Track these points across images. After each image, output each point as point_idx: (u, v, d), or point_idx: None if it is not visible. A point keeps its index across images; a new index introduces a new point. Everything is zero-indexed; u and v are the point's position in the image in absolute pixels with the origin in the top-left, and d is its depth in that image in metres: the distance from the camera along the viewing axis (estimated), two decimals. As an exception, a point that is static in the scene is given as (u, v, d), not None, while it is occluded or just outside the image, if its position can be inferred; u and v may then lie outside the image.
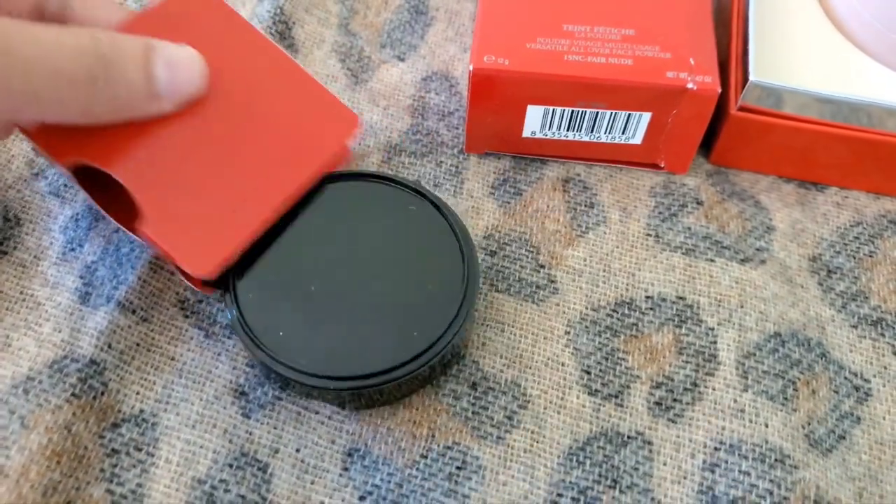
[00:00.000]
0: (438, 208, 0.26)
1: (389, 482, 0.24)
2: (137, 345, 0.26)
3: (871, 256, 0.30)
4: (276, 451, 0.25)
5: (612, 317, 0.28)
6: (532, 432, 0.25)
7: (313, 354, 0.23)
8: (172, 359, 0.26)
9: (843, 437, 0.26)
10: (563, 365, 0.27)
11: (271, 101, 0.26)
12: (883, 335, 0.28)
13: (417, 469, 0.25)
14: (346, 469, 0.24)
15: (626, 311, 0.28)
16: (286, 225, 0.26)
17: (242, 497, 0.24)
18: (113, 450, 0.25)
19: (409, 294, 0.25)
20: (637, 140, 0.30)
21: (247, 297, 0.24)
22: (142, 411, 0.25)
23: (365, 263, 0.25)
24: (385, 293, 0.24)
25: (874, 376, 0.27)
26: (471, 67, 0.28)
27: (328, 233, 0.26)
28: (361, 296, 0.24)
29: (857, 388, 0.27)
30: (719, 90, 0.28)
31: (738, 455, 0.25)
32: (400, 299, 0.24)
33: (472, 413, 0.26)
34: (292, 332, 0.24)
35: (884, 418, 0.26)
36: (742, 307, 0.28)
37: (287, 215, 0.26)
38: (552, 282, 0.28)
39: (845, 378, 0.27)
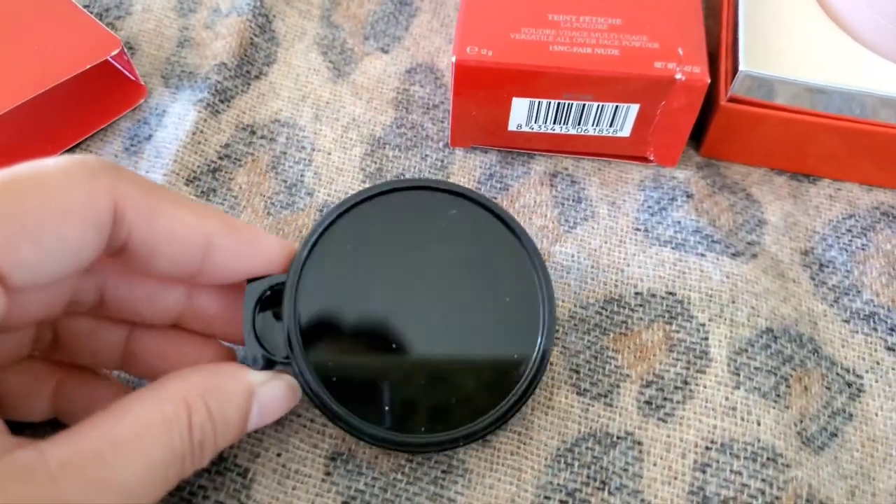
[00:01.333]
0: (520, 239, 0.24)
1: (374, 487, 0.24)
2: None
3: (863, 249, 0.29)
4: (257, 456, 0.24)
5: (600, 314, 0.27)
6: (519, 434, 0.25)
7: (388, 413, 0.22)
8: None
9: (836, 435, 0.25)
10: (550, 364, 0.26)
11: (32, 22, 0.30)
12: (876, 329, 0.27)
13: (402, 473, 0.24)
14: (328, 474, 0.24)
15: (615, 308, 0.27)
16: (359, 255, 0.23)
17: (222, 503, 0.23)
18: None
19: (481, 342, 0.23)
20: (625, 133, 0.29)
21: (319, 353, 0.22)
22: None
23: (437, 298, 0.23)
24: (458, 337, 0.23)
25: (867, 372, 0.26)
26: (453, 59, 0.27)
27: (398, 258, 0.23)
28: (434, 344, 0.23)
29: (849, 385, 0.26)
30: (708, 81, 0.27)
31: (730, 454, 0.24)
32: (471, 349, 0.23)
33: (458, 414, 0.25)
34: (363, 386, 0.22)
35: (876, 415, 0.26)
36: (733, 302, 0.27)
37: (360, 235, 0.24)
38: (539, 279, 0.28)
39: (837, 374, 0.26)
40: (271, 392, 0.21)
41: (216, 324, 0.23)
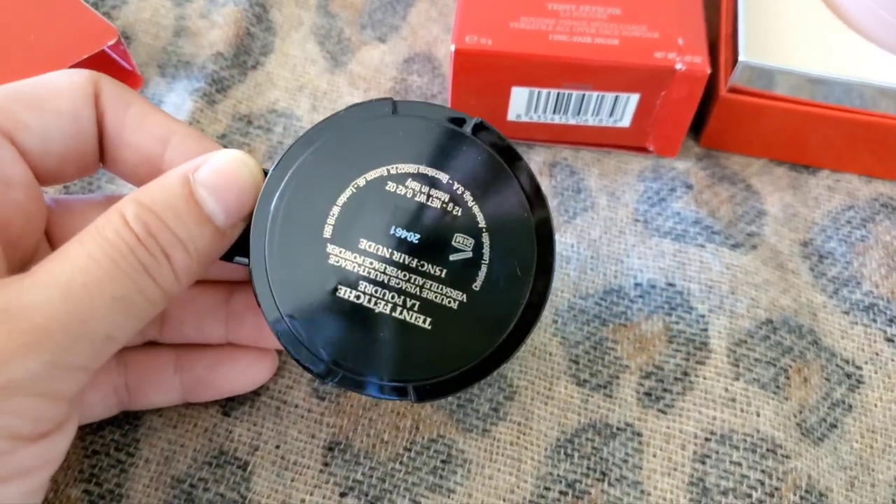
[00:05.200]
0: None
1: (372, 477, 0.24)
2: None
3: (863, 241, 0.29)
4: (256, 449, 0.24)
5: (600, 305, 0.27)
6: (519, 424, 0.25)
7: None
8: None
9: (835, 426, 0.25)
10: (550, 355, 0.26)
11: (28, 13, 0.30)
12: (875, 321, 0.27)
13: (401, 463, 0.24)
14: (326, 464, 0.24)
15: (615, 299, 0.27)
16: None
17: (222, 496, 0.23)
18: (93, 451, 0.24)
19: None
20: (625, 123, 0.29)
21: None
22: (126, 413, 0.24)
23: None
24: None
25: (866, 363, 0.26)
26: (452, 47, 0.27)
27: None
28: None
29: (848, 376, 0.26)
30: (709, 71, 0.27)
31: (729, 445, 0.24)
32: None
33: (458, 405, 0.25)
34: None
35: (875, 405, 0.26)
36: (733, 293, 0.27)
37: None
38: (539, 270, 0.28)
39: (837, 365, 0.26)
40: (213, 166, 0.19)
41: None
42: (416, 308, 0.20)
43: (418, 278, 0.20)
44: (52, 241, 0.21)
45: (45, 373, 0.16)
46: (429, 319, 0.20)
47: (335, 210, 0.20)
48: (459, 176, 0.20)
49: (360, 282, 0.20)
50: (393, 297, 0.20)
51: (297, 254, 0.20)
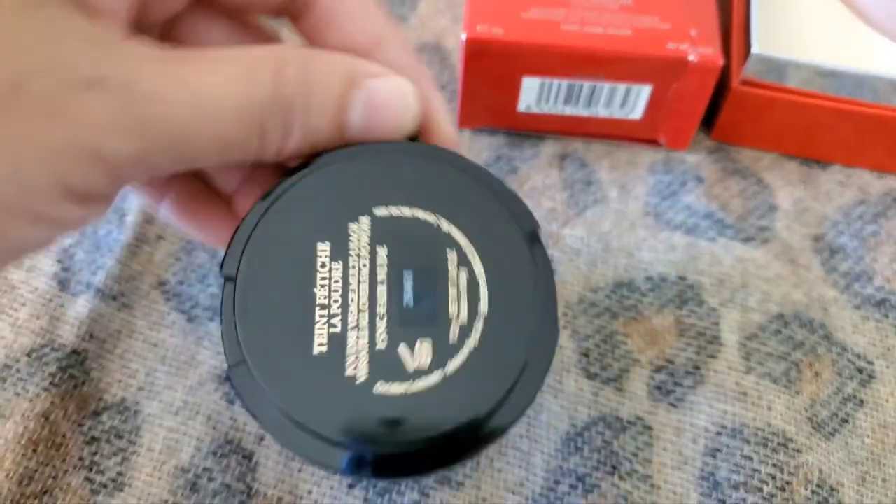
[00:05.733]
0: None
1: (381, 470, 0.23)
2: (119, 332, 0.25)
3: (874, 236, 0.29)
4: (262, 439, 0.24)
5: (610, 298, 0.27)
6: (528, 417, 0.24)
7: None
8: (155, 345, 0.25)
9: (846, 421, 0.25)
10: (560, 348, 0.26)
11: None
12: (887, 316, 0.27)
13: (410, 456, 0.24)
14: (335, 457, 0.24)
15: (626, 293, 0.27)
16: None
17: (227, 486, 0.23)
18: (92, 437, 0.24)
19: None
20: (637, 115, 0.29)
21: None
22: (124, 399, 0.24)
23: None
24: None
25: (877, 358, 0.26)
26: (463, 37, 0.26)
27: None
28: None
29: (860, 371, 0.26)
30: (722, 62, 0.27)
31: (740, 439, 0.24)
32: None
33: (467, 398, 0.25)
34: None
35: (887, 401, 0.26)
36: (745, 287, 0.27)
37: None
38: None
39: (848, 360, 0.26)
40: (387, 88, 0.18)
41: None
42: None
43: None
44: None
45: (128, 161, 0.16)
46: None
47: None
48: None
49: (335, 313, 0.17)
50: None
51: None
